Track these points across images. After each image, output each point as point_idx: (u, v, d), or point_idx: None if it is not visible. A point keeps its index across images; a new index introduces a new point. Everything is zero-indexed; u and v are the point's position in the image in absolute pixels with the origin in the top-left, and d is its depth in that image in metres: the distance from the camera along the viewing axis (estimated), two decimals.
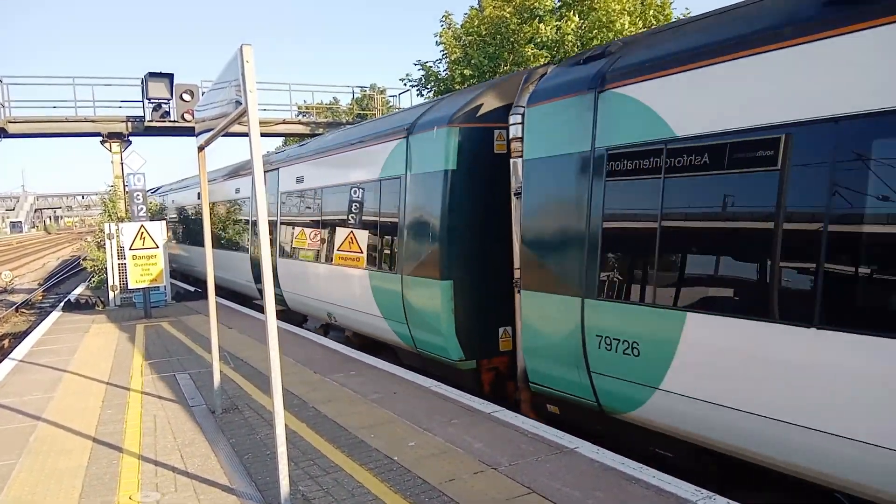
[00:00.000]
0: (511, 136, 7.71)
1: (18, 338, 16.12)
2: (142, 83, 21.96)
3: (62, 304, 18.43)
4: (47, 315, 17.43)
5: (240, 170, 17.74)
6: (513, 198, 7.70)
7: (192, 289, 21.27)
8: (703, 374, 5.26)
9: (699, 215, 5.40)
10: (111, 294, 17.13)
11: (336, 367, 9.34)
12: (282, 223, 14.06)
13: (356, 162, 10.86)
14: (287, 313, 14.08)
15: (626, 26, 19.48)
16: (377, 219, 9.99)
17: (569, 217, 6.52)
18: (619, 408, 6.12)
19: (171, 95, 21.70)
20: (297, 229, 13.14)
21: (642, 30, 19.67)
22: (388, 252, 9.70)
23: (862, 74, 4.31)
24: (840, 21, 4.43)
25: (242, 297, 17.68)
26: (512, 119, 7.69)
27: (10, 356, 11.25)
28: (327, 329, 13.03)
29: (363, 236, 10.45)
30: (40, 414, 7.56)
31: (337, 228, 11.28)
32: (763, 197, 4.81)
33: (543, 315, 7.00)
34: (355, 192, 10.70)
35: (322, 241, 11.90)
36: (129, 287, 15.04)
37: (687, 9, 28.49)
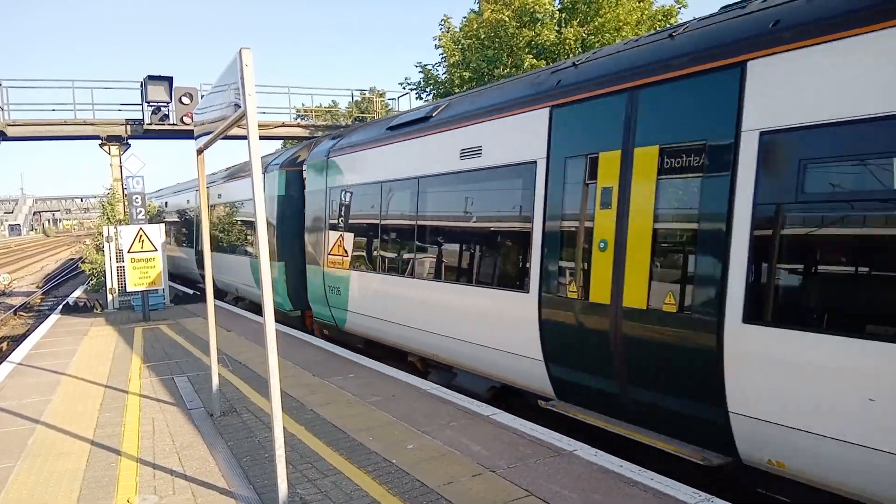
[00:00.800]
0: (304, 177, 13.74)
1: (17, 341, 16.11)
2: (141, 86, 21.98)
3: (60, 306, 18.42)
4: (46, 318, 17.41)
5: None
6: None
7: (190, 292, 21.25)
8: (361, 302, 10.96)
9: (368, 221, 11.04)
10: (110, 297, 17.11)
11: (334, 370, 9.34)
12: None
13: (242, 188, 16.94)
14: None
15: (631, 36, 19.57)
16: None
17: (319, 224, 12.49)
18: (341, 324, 11.89)
19: (171, 98, 21.71)
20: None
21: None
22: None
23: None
24: (393, 138, 10.31)
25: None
26: (304, 167, 13.71)
27: (8, 359, 11.24)
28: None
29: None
30: (38, 417, 7.56)
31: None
32: (374, 210, 10.74)
33: (312, 278, 12.81)
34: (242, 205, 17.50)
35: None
36: (128, 290, 15.03)
37: (695, 17, 28.56)
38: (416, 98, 26.08)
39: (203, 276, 9.00)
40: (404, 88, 26.21)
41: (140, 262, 14.38)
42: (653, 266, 5.90)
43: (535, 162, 7.19)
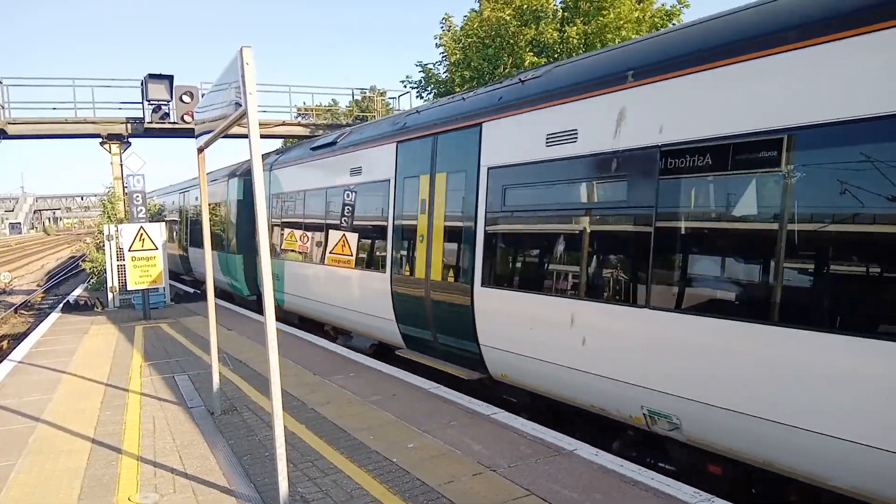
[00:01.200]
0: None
1: (17, 339, 16.12)
2: (141, 85, 21.96)
3: (61, 305, 18.43)
4: (46, 316, 17.42)
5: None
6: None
7: (191, 290, 21.27)
8: (292, 285, 13.53)
9: (295, 220, 13.73)
10: (110, 295, 17.12)
11: (335, 369, 9.34)
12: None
13: (213, 192, 18.69)
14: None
15: (633, 36, 19.58)
16: (224, 222, 18.15)
17: (251, 225, 15.04)
18: (280, 304, 14.07)
19: (171, 97, 21.69)
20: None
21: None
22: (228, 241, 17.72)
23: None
24: (312, 157, 13.37)
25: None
26: None
27: (9, 357, 11.24)
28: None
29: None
30: (39, 415, 7.56)
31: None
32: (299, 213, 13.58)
33: (256, 266, 15.53)
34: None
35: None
36: (129, 288, 15.04)
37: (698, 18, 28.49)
38: (417, 97, 26.08)
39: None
40: (405, 87, 26.20)
41: (141, 260, 14.38)
42: (443, 252, 8.69)
43: (389, 180, 9.93)
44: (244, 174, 16.48)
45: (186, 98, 21.45)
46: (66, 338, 12.93)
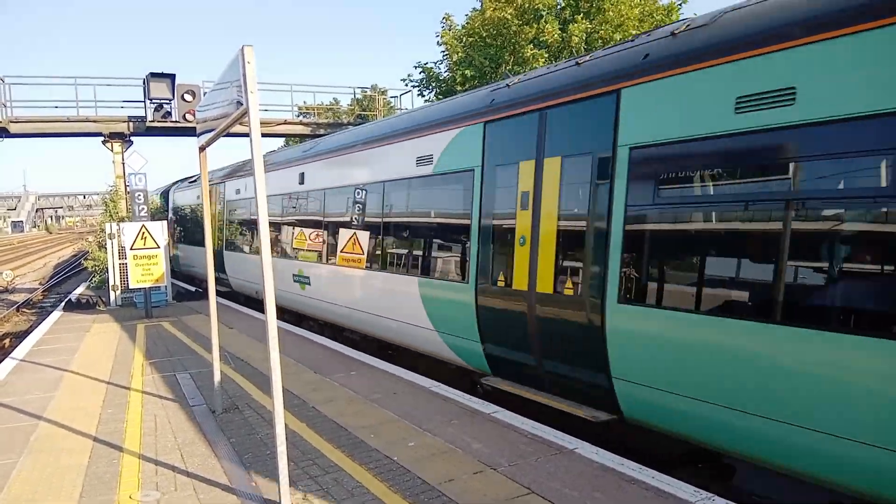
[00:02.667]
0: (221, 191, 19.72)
1: (19, 337, 16.13)
2: (143, 83, 21.99)
3: (63, 303, 18.45)
4: (48, 315, 17.44)
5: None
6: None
7: (192, 289, 21.29)
8: (236, 272, 17.53)
9: (240, 220, 17.76)
10: (112, 294, 17.15)
11: (336, 368, 9.35)
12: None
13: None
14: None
15: (634, 33, 19.54)
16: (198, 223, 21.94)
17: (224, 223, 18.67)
18: (227, 287, 18.37)
19: (173, 96, 21.72)
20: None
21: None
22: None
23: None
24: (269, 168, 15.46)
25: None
26: (224, 184, 19.56)
27: (11, 355, 11.26)
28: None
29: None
30: (41, 413, 7.58)
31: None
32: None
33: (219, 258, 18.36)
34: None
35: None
36: (130, 287, 15.06)
37: (695, 14, 28.46)
38: (419, 95, 26.07)
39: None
40: (407, 85, 26.19)
41: (142, 259, 14.40)
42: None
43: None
44: (216, 182, 19.80)
45: (188, 97, 21.46)
46: (67, 336, 12.95)
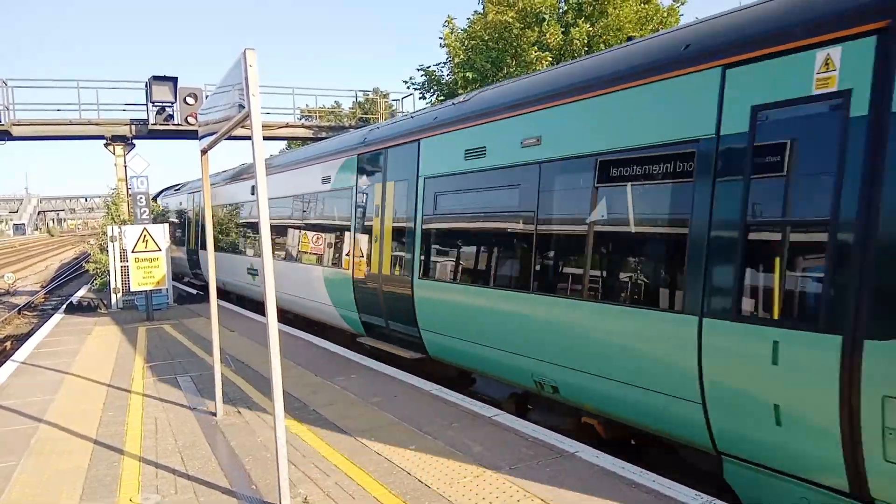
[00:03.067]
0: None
1: (21, 340, 16.15)
2: (146, 86, 22.04)
3: (64, 306, 18.47)
4: (49, 317, 17.47)
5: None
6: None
7: (194, 291, 21.31)
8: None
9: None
10: (113, 296, 17.17)
11: (337, 371, 9.35)
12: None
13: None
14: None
15: (635, 37, 19.55)
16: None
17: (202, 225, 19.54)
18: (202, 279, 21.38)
19: (175, 99, 21.78)
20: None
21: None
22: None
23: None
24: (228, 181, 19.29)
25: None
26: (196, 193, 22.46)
27: (12, 358, 11.28)
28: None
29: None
30: (42, 416, 7.58)
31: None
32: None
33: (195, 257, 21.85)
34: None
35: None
36: (132, 289, 15.07)
37: (696, 17, 28.50)
38: (420, 98, 26.09)
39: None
40: (408, 88, 26.21)
41: (144, 261, 14.42)
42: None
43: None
44: (191, 190, 23.04)
45: (190, 100, 21.53)
46: (69, 339, 12.96)
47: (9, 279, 31.27)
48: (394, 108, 29.62)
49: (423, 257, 8.97)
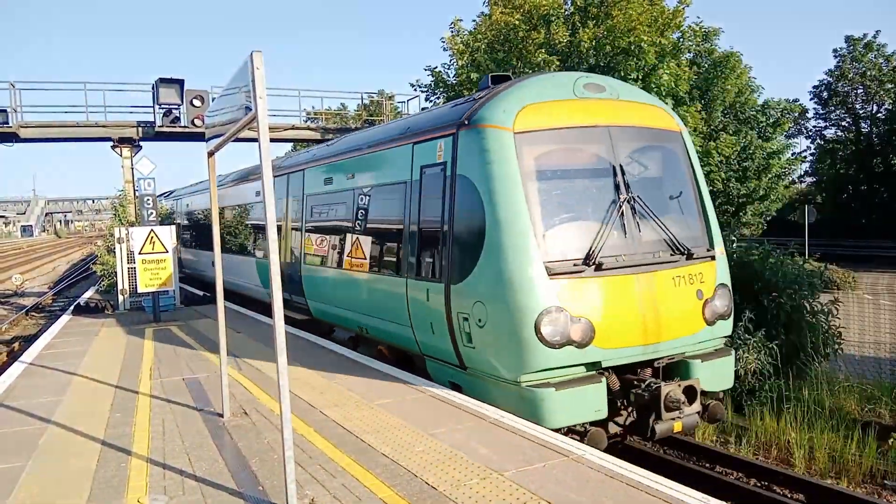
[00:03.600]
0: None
1: (28, 341, 16.24)
2: (152, 89, 22.15)
3: (72, 307, 18.55)
4: (57, 318, 17.53)
5: None
6: None
7: (200, 293, 21.38)
8: (188, 265, 24.58)
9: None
10: (120, 298, 17.22)
11: (344, 372, 9.34)
12: None
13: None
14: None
15: (643, 38, 19.53)
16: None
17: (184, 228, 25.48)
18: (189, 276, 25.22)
19: (182, 101, 21.86)
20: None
21: (657, 38, 19.83)
22: None
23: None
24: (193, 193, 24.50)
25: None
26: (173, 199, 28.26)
27: (20, 359, 11.33)
28: None
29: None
30: (50, 417, 7.61)
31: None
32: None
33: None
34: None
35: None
36: (139, 291, 15.12)
37: (699, 17, 28.56)
38: (426, 100, 26.11)
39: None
40: (415, 90, 26.24)
41: (151, 263, 14.46)
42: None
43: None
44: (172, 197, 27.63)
45: (197, 102, 21.60)
46: (76, 340, 13.01)
47: (17, 280, 31.44)
48: (399, 109, 29.64)
49: (305, 249, 13.03)
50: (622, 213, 7.66)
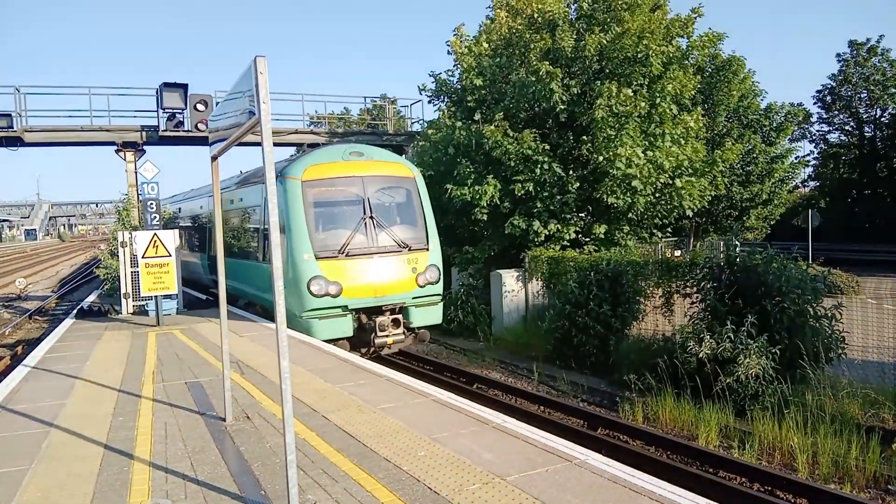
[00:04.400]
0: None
1: (32, 344, 16.27)
2: (156, 93, 22.20)
3: (75, 311, 18.59)
4: (60, 322, 17.57)
5: None
6: None
7: (202, 297, 21.41)
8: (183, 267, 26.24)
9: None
10: (123, 302, 17.25)
11: (346, 377, 9.36)
12: None
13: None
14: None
15: (652, 46, 19.54)
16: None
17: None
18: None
19: (186, 105, 21.91)
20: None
21: (664, 46, 19.86)
22: None
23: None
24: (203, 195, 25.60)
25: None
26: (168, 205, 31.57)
27: (23, 363, 11.34)
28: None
29: None
30: (53, 420, 7.62)
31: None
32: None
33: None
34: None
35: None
36: (142, 295, 15.14)
37: (710, 28, 28.68)
38: (428, 103, 26.14)
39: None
40: (421, 94, 26.27)
41: (154, 267, 14.47)
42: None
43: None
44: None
45: (201, 106, 21.64)
46: (79, 343, 13.04)
47: (20, 284, 31.52)
48: (402, 114, 29.68)
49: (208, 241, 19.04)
50: (365, 225, 13.46)
